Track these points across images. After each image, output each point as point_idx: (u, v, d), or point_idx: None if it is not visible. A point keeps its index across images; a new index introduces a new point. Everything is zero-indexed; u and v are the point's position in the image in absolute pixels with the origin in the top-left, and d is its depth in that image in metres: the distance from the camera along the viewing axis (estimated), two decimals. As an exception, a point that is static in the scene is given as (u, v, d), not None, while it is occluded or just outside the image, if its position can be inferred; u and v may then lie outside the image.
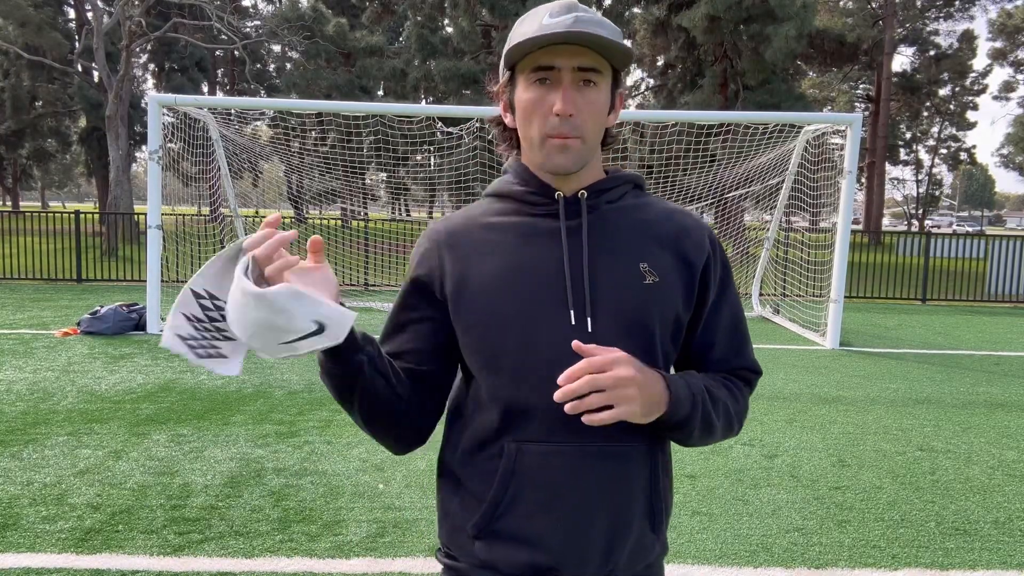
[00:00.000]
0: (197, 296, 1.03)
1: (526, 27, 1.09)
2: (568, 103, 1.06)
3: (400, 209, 29.03)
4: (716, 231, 14.89)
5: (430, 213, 42.23)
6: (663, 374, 1.10)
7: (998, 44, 38.25)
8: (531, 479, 1.11)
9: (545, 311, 1.10)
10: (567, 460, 1.10)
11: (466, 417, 1.19)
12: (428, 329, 1.17)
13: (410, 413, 1.16)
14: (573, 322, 1.10)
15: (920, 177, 48.52)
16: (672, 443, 1.23)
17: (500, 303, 1.11)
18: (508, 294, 1.11)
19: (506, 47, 1.11)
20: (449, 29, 27.12)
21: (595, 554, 1.12)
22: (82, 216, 13.37)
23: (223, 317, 1.02)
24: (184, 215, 13.48)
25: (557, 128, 1.08)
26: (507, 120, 1.18)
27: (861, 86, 39.65)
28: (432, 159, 24.74)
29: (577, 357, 1.03)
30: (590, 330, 1.09)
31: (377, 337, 1.19)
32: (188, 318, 1.03)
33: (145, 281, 8.68)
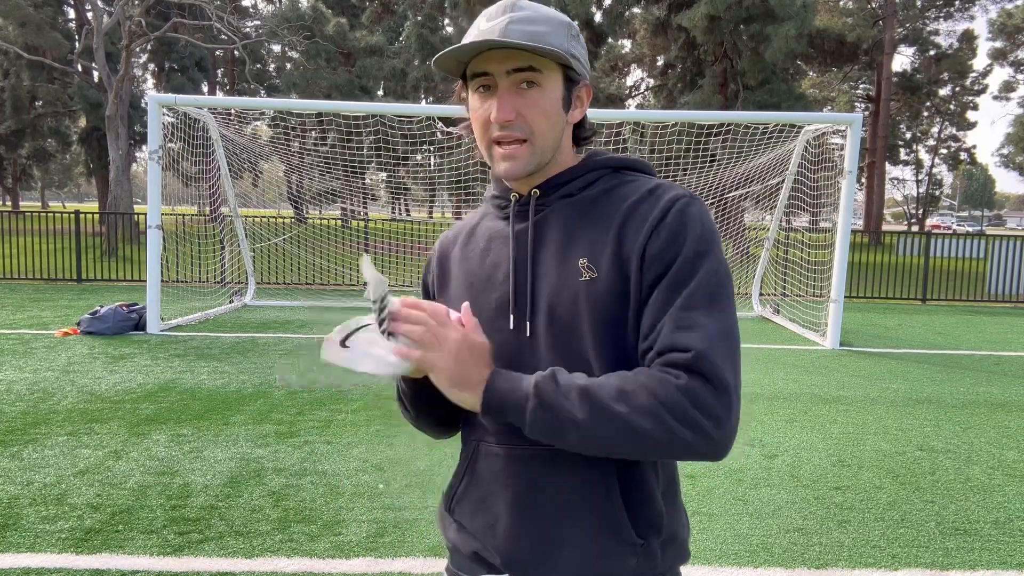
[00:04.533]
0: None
1: (469, 33, 1.08)
2: (504, 109, 1.04)
3: (400, 209, 29.03)
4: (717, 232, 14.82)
5: (430, 213, 42.23)
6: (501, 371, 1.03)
7: (998, 44, 38.25)
8: (477, 477, 1.14)
9: (493, 316, 1.11)
10: (500, 462, 1.10)
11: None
12: None
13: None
14: (511, 327, 1.09)
15: (920, 177, 48.52)
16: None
17: (466, 302, 1.11)
18: (472, 292, 1.14)
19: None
20: (449, 29, 27.11)
21: (530, 558, 1.08)
22: (82, 216, 13.37)
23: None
24: (184, 215, 13.48)
25: (496, 134, 1.07)
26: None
27: (861, 86, 39.66)
28: (432, 159, 24.74)
29: (520, 361, 1.07)
30: (528, 334, 1.07)
31: None
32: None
33: (145, 281, 8.68)
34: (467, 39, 1.04)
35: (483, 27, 1.04)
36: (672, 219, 1.02)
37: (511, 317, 1.09)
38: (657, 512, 1.09)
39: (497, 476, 1.10)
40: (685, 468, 4.28)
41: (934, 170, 46.59)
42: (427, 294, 1.26)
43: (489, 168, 1.18)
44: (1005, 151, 47.35)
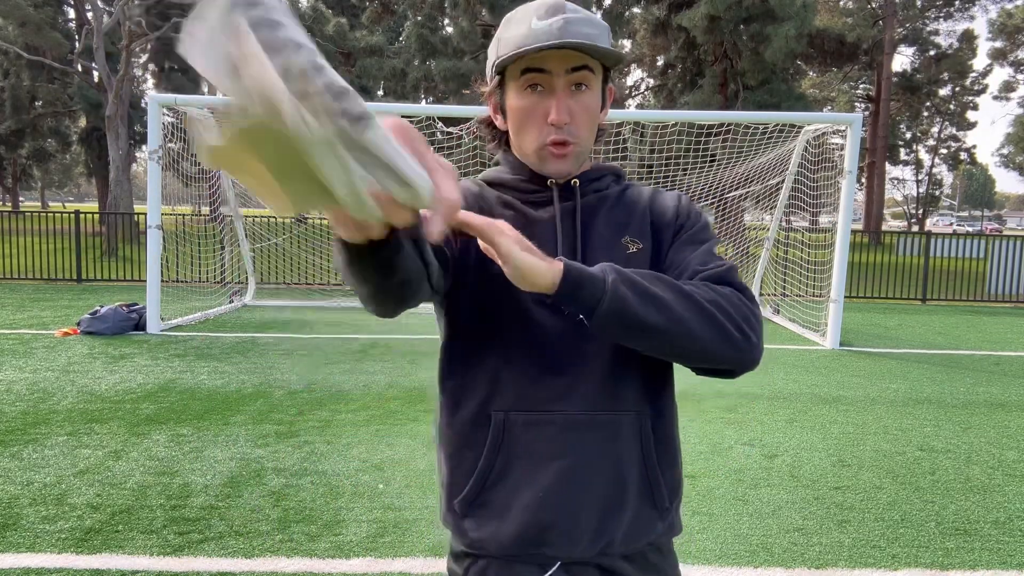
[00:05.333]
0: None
1: (514, 30, 1.07)
2: (562, 112, 1.08)
3: (400, 209, 28.97)
4: (716, 231, 14.89)
5: (430, 213, 42.11)
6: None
7: (998, 44, 38.25)
8: (516, 449, 1.09)
9: (534, 295, 1.06)
10: (552, 430, 1.09)
11: (454, 384, 1.18)
12: (441, 253, 1.10)
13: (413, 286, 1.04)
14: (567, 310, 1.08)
15: (920, 177, 48.52)
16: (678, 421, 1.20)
17: (491, 289, 1.11)
18: (498, 280, 1.06)
19: (495, 50, 1.11)
20: (449, 29, 27.11)
21: (585, 530, 1.09)
22: (82, 216, 13.37)
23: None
24: (184, 215, 13.48)
25: (554, 136, 1.10)
26: (498, 122, 1.19)
27: (861, 86, 39.66)
28: (432, 159, 24.68)
29: (570, 344, 1.09)
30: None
31: None
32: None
33: (145, 281, 8.68)
34: (517, 36, 1.06)
35: (536, 26, 1.04)
36: (685, 202, 1.23)
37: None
38: (679, 477, 1.20)
39: (547, 444, 1.08)
40: (685, 468, 4.28)
41: (934, 170, 46.59)
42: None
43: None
44: (1005, 151, 47.38)
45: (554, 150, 1.11)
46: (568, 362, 1.10)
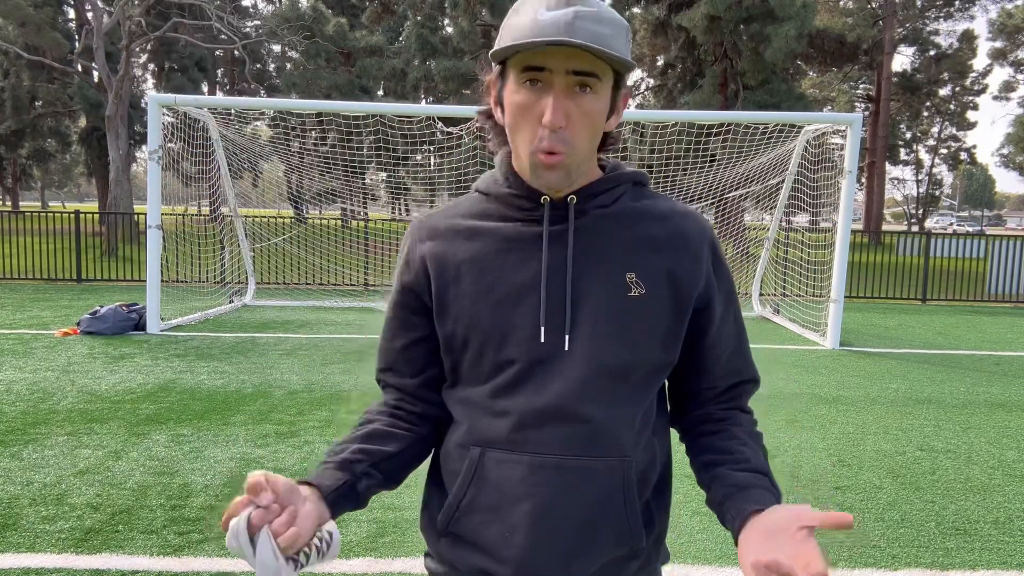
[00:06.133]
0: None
1: (520, 18, 0.97)
2: (558, 114, 0.96)
3: (400, 209, 29.01)
4: (716, 231, 14.85)
5: (430, 213, 42.12)
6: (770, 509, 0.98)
7: (998, 44, 38.25)
8: (488, 486, 1.07)
9: (518, 327, 1.05)
10: (522, 470, 1.04)
11: (447, 420, 1.17)
12: (425, 352, 1.15)
13: (429, 438, 1.19)
14: (542, 339, 1.04)
15: (920, 177, 48.52)
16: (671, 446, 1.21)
17: (477, 316, 1.06)
18: (485, 307, 1.06)
19: (498, 39, 1.00)
20: (449, 29, 27.11)
21: (548, 568, 1.04)
22: (82, 216, 13.37)
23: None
24: (184, 215, 13.48)
25: (545, 141, 0.98)
26: (496, 115, 1.08)
27: (861, 86, 39.66)
28: (432, 159, 24.74)
29: (554, 384, 1.04)
30: (567, 348, 1.04)
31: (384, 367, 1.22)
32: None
33: (145, 281, 8.68)
34: (521, 25, 0.96)
35: (543, 17, 0.94)
36: (721, 258, 1.13)
37: (544, 326, 1.04)
38: (666, 521, 1.17)
39: (515, 485, 1.04)
40: (685, 468, 4.28)
41: (934, 170, 46.60)
42: (408, 293, 1.13)
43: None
44: (1005, 151, 47.35)
45: (544, 158, 0.99)
46: (544, 403, 1.05)
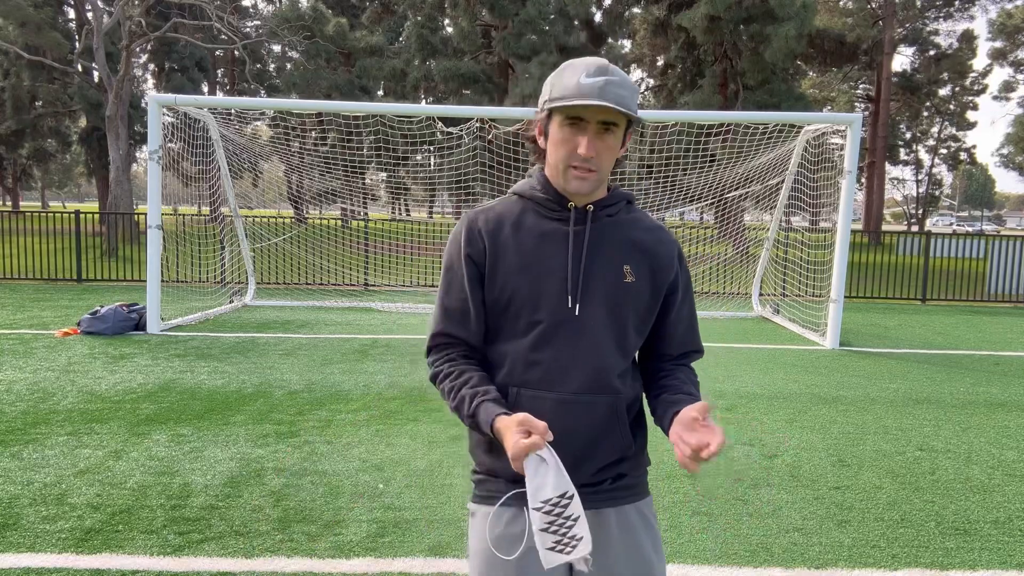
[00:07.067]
0: (539, 510, 1.32)
1: (568, 80, 1.41)
2: (591, 148, 1.42)
3: (400, 209, 29.01)
4: (716, 231, 14.89)
5: (430, 213, 42.19)
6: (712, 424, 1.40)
7: (998, 44, 38.24)
8: (524, 412, 1.39)
9: (549, 294, 1.47)
10: (550, 404, 1.47)
11: (489, 366, 1.55)
12: (482, 313, 1.53)
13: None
14: (569, 305, 1.47)
15: (920, 177, 48.52)
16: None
17: (518, 286, 1.47)
18: (524, 279, 1.48)
19: (549, 91, 1.46)
20: (449, 29, 27.11)
21: (571, 468, 1.38)
22: (82, 216, 13.38)
23: (565, 507, 1.32)
24: (184, 215, 13.48)
25: (579, 162, 1.43)
26: (540, 142, 1.53)
27: (861, 86, 39.65)
28: (432, 159, 24.74)
29: (571, 341, 1.47)
30: (577, 313, 1.47)
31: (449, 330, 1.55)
32: (545, 531, 1.32)
33: (145, 281, 8.68)
34: (569, 86, 1.40)
35: (584, 82, 1.38)
36: (683, 264, 1.61)
37: (569, 296, 1.47)
38: (645, 435, 1.63)
39: (543, 413, 1.40)
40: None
41: (934, 170, 46.60)
42: (471, 263, 1.51)
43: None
44: (1005, 151, 47.36)
45: (577, 172, 1.44)
46: (564, 356, 1.48)
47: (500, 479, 1.52)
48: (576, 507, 1.31)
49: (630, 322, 1.52)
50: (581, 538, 1.30)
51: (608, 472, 1.53)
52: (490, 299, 1.50)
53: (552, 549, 1.30)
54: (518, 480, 1.39)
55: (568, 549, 1.30)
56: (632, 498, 1.57)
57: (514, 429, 1.32)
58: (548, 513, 1.30)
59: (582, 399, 1.48)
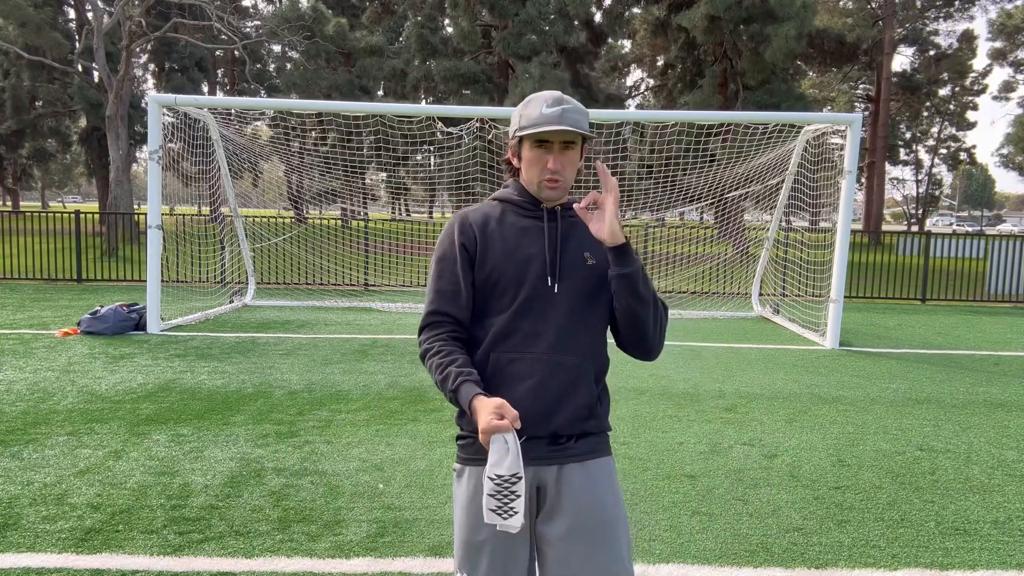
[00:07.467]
0: (492, 480, 1.58)
1: (531, 111, 1.75)
2: (557, 163, 1.77)
3: (400, 209, 29.02)
4: (716, 231, 14.89)
5: (430, 213, 42.20)
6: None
7: (998, 44, 38.22)
8: (504, 374, 1.76)
9: (532, 275, 1.78)
10: (527, 362, 1.76)
11: (473, 340, 1.82)
12: (471, 294, 1.81)
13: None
14: (548, 283, 1.78)
15: (920, 177, 48.52)
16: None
17: (505, 267, 1.78)
18: (512, 262, 1.78)
19: (517, 121, 1.80)
20: (449, 29, 27.10)
21: (543, 419, 1.74)
22: (82, 216, 13.38)
23: (513, 484, 1.59)
24: (184, 215, 13.48)
25: (549, 175, 1.78)
26: (514, 162, 1.87)
27: (861, 86, 39.65)
28: (432, 159, 24.74)
29: (546, 313, 1.76)
30: (556, 291, 1.78)
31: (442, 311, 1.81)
32: (492, 496, 1.60)
33: (145, 281, 8.68)
34: (533, 115, 1.75)
35: (547, 111, 1.73)
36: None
37: (548, 276, 1.78)
38: (608, 403, 1.89)
39: (522, 371, 1.75)
40: (685, 468, 4.29)
41: (934, 170, 46.59)
42: (464, 250, 1.81)
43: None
44: (1005, 151, 47.33)
45: (549, 184, 1.79)
46: (540, 325, 1.77)
47: None
48: (521, 488, 1.58)
49: (593, 295, 1.81)
50: (517, 513, 1.59)
51: (574, 428, 1.78)
52: (480, 280, 1.78)
53: (493, 511, 1.59)
54: None
55: (506, 516, 1.60)
56: (594, 455, 1.81)
57: (490, 409, 1.58)
58: (499, 485, 1.58)
59: (554, 358, 1.76)
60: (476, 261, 1.79)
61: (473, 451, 1.78)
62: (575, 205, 1.73)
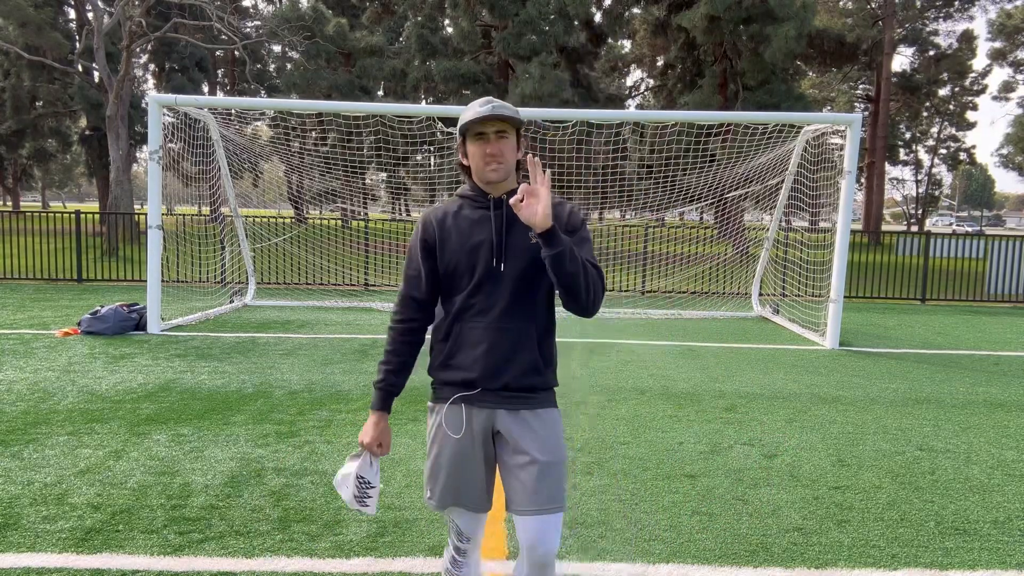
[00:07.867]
0: (356, 477, 2.22)
1: (468, 114, 2.08)
2: (494, 148, 2.09)
3: (400, 209, 29.02)
4: (716, 231, 14.89)
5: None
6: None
7: (998, 44, 38.23)
8: (462, 338, 2.15)
9: (482, 259, 2.11)
10: (480, 330, 2.13)
11: (440, 317, 2.21)
12: (435, 280, 2.18)
13: (424, 332, 2.26)
14: (495, 264, 2.10)
15: (919, 177, 48.51)
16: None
17: (460, 255, 2.12)
18: (465, 250, 2.12)
19: (459, 124, 2.11)
20: (449, 29, 27.09)
21: (494, 375, 2.12)
22: (82, 216, 13.38)
23: (369, 488, 2.25)
24: (184, 215, 13.48)
25: (489, 159, 2.09)
26: (464, 161, 2.19)
27: (861, 86, 39.66)
28: (432, 159, 24.71)
29: (494, 289, 2.11)
30: (502, 270, 2.10)
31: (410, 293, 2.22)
32: (356, 485, 2.22)
33: (145, 281, 8.69)
34: (469, 116, 2.07)
35: (479, 110, 2.06)
36: (572, 215, 2.18)
37: (495, 259, 2.10)
38: (553, 355, 2.24)
39: (477, 336, 2.13)
40: (685, 468, 4.29)
41: (934, 170, 46.60)
42: (426, 246, 2.17)
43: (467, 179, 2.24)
44: (1005, 151, 47.33)
45: (490, 166, 2.10)
46: (490, 300, 2.12)
47: (451, 386, 2.18)
48: (375, 494, 2.22)
49: (536, 271, 2.11)
50: (368, 507, 2.21)
51: (522, 382, 2.14)
52: (442, 267, 2.14)
53: (355, 498, 2.19)
54: (465, 386, 2.15)
55: (358, 505, 2.20)
56: (541, 405, 2.18)
57: (374, 435, 2.21)
58: (358, 482, 2.20)
59: (501, 326, 2.12)
60: (436, 252, 2.15)
61: (443, 393, 2.19)
62: (510, 200, 1.96)
